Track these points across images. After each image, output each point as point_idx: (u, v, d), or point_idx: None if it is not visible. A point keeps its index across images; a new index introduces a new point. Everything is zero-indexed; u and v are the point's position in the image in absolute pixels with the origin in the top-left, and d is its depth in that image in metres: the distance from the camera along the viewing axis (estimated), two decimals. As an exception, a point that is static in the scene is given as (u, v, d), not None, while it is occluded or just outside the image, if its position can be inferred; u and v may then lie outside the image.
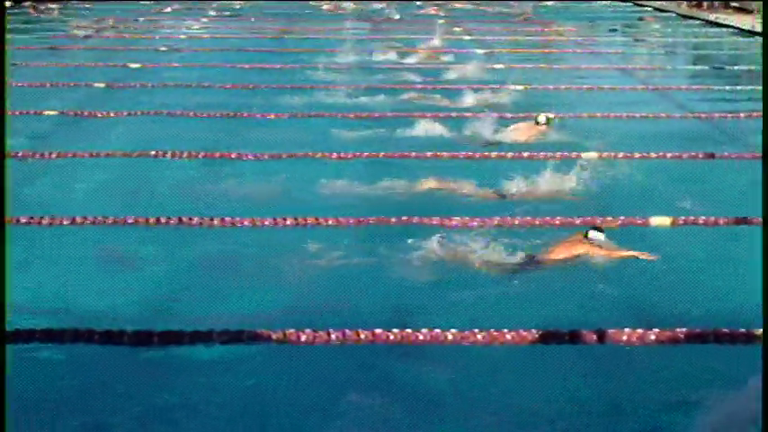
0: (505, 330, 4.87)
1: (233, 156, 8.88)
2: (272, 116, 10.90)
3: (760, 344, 4.80)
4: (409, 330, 4.85)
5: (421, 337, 4.83)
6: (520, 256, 6.10)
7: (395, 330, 4.84)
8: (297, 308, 5.40)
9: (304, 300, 5.57)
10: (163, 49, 17.24)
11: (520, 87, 12.80)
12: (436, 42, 17.75)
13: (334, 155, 8.87)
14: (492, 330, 4.86)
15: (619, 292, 5.78)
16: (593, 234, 6.26)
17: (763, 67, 9.30)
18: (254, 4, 27.96)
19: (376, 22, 23.41)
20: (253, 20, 23.60)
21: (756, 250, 6.32)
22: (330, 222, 6.81)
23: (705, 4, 27.02)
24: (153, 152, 8.81)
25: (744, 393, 3.96)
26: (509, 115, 10.76)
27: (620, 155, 8.93)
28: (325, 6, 26.30)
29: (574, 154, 8.80)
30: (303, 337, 4.81)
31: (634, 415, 4.24)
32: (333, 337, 4.80)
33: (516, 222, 6.85)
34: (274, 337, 4.79)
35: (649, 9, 28.76)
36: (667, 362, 4.81)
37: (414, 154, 8.95)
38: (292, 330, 4.82)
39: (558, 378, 4.59)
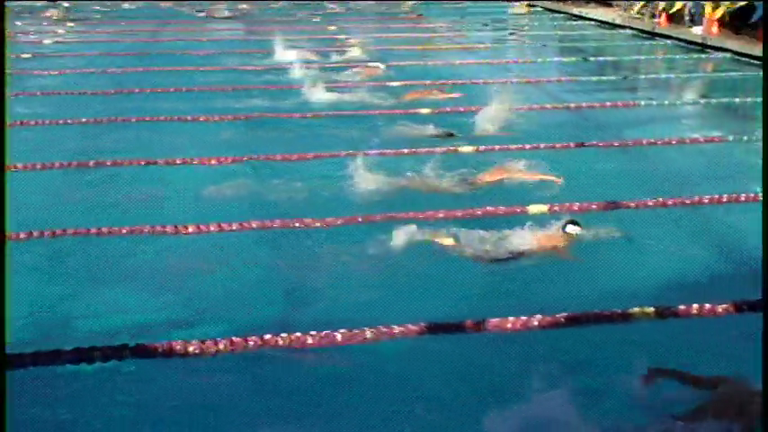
0: (394, 326, 4.91)
1: (108, 163, 8.58)
2: (149, 119, 10.63)
3: (636, 323, 5.06)
4: (299, 334, 4.82)
5: (310, 340, 4.80)
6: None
7: (283, 335, 4.80)
8: (183, 317, 5.32)
9: (191, 307, 5.49)
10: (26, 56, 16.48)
11: (395, 84, 12.93)
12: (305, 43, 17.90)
13: (213, 160, 8.71)
14: (381, 327, 4.90)
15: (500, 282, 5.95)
16: (570, 228, 6.43)
17: (764, 68, 9.70)
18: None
19: (253, 23, 23.22)
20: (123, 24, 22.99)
21: (629, 232, 6.72)
22: (212, 228, 6.68)
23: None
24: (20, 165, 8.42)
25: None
26: (386, 112, 10.95)
27: (497, 147, 9.15)
28: (200, 14, 25.72)
29: (450, 148, 9.00)
30: (191, 348, 4.70)
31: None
32: (221, 346, 4.71)
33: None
34: (160, 349, 4.66)
35: (516, 4, 29.72)
36: (549, 348, 4.97)
37: (295, 156, 8.90)
38: (179, 341, 4.71)
39: (442, 370, 4.67)
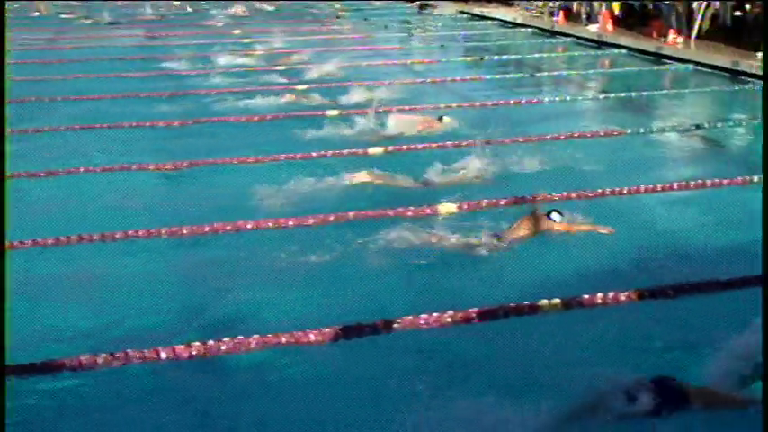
0: (309, 330, 4.90)
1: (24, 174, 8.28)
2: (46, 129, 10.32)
3: (544, 315, 5.19)
4: (211, 342, 4.76)
5: (224, 348, 4.75)
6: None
7: (196, 344, 4.74)
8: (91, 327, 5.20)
9: (103, 319, 5.37)
10: None
11: (302, 87, 12.89)
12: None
13: (135, 166, 8.54)
14: (295, 332, 4.88)
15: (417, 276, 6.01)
16: (554, 216, 6.64)
17: (764, 71, 9.93)
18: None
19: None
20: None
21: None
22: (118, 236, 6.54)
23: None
24: None
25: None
26: (295, 113, 10.94)
27: (404, 147, 9.24)
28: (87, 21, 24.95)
29: (360, 150, 9.04)
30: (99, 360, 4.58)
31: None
32: (128, 353, 4.62)
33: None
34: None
35: (417, 5, 30.12)
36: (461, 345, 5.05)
37: (212, 160, 8.78)
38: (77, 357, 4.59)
39: (356, 374, 4.71)
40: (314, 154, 8.90)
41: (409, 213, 7.07)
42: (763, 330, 4.03)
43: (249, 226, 6.78)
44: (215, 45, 18.11)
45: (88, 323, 5.35)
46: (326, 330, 4.92)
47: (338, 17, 26.32)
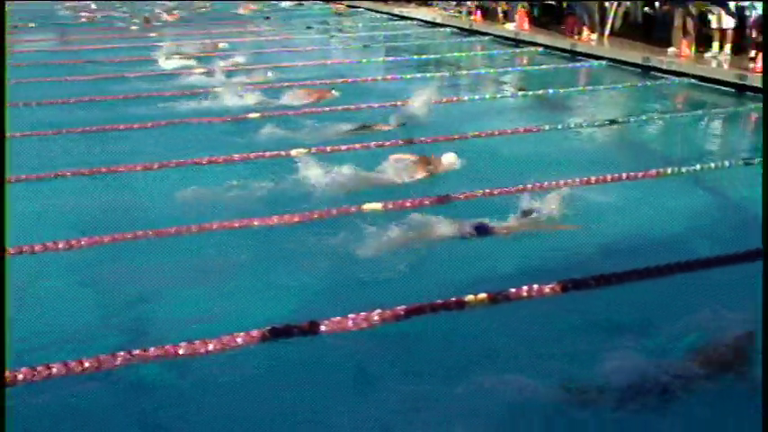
0: (236, 333, 4.86)
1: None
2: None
3: (471, 310, 5.26)
4: (137, 351, 4.67)
5: (152, 354, 4.67)
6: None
7: (121, 353, 4.64)
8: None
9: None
10: None
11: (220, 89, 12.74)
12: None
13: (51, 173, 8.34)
14: (223, 336, 4.84)
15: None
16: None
17: (763, 73, 10.05)
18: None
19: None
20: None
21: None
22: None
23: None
24: None
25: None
26: (217, 119, 10.83)
27: (328, 149, 9.23)
28: None
29: (283, 152, 8.99)
30: (20, 376, 4.45)
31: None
32: (54, 370, 4.50)
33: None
34: None
35: (341, 6, 30.17)
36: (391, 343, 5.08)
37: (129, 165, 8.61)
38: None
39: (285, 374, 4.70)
40: (236, 156, 8.84)
41: (334, 213, 7.08)
42: (762, 326, 4.04)
43: (173, 231, 6.68)
44: (133, 48, 17.78)
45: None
46: (254, 333, 4.90)
47: (267, 18, 26.18)
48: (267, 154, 8.95)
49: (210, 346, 4.79)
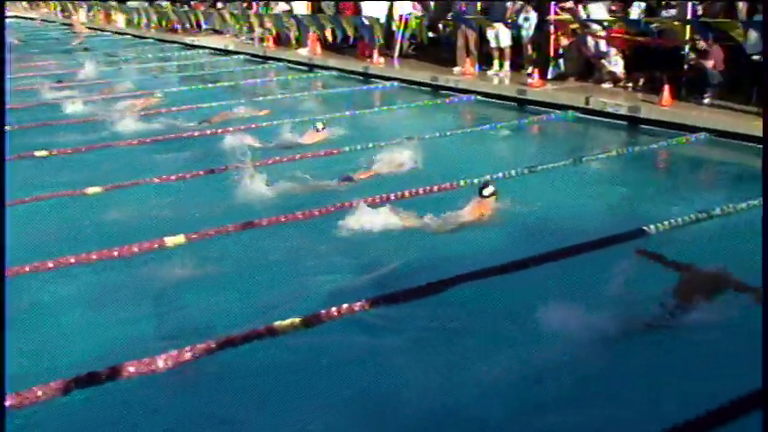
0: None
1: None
2: None
3: (284, 335, 5.27)
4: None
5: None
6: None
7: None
8: None
9: None
10: None
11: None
12: None
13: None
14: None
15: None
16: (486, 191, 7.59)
17: (764, 78, 10.04)
18: None
19: None
20: None
21: (267, 249, 6.98)
22: None
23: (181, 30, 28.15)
24: None
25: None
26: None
27: (127, 183, 8.94)
28: None
29: (75, 191, 8.63)
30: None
31: None
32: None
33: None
34: None
35: (129, 36, 29.32)
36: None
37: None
38: None
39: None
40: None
41: (135, 249, 6.87)
42: (763, 331, 4.16)
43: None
44: None
45: None
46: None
47: (86, 50, 24.83)
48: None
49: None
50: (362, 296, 5.74)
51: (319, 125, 11.38)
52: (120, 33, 30.68)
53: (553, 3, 14.95)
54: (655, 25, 13.35)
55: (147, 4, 30.71)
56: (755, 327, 4.33)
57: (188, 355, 4.97)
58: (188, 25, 27.39)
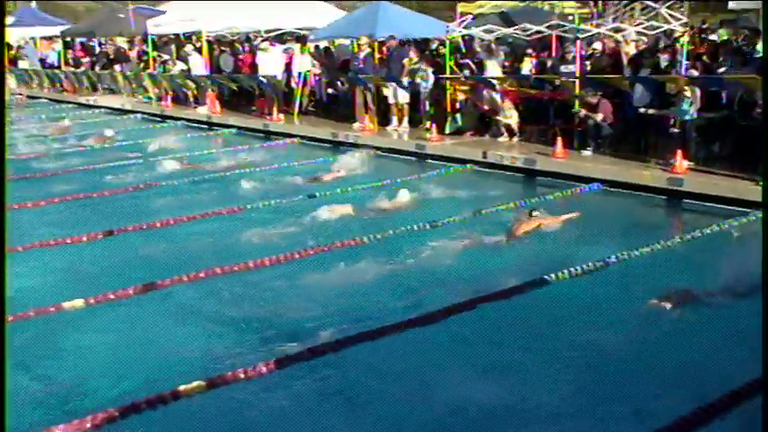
0: None
1: None
2: None
3: (189, 399, 5.12)
4: None
5: None
6: None
7: None
8: None
9: None
10: None
11: None
12: None
13: None
14: None
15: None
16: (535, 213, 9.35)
17: (763, 88, 9.90)
18: None
19: None
20: None
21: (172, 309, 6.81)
22: None
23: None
24: None
25: None
26: None
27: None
28: None
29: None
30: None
31: None
32: None
33: None
34: None
35: (20, 94, 28.54)
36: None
37: None
38: None
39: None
40: None
41: (31, 314, 6.58)
42: (763, 330, 4.10)
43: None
44: None
45: None
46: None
47: None
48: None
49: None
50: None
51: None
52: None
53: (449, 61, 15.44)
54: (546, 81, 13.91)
55: (37, 66, 29.92)
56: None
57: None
58: (84, 85, 26.85)
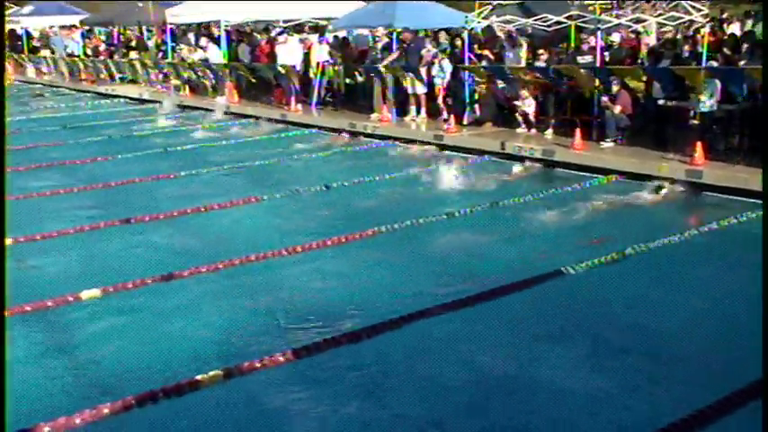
0: None
1: None
2: None
3: (207, 389, 5.15)
4: None
5: None
6: None
7: None
8: None
9: None
10: None
11: None
12: None
13: None
14: None
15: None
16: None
17: (764, 86, 9.98)
18: None
19: None
20: None
21: (187, 301, 6.84)
22: None
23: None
24: None
25: None
26: None
27: (38, 236, 8.67)
28: None
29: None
30: None
31: None
32: None
33: None
34: None
35: (40, 85, 28.69)
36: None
37: None
38: None
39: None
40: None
41: (49, 304, 6.64)
42: (763, 330, 4.13)
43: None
44: None
45: None
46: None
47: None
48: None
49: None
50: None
51: None
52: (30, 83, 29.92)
53: (467, 51, 15.38)
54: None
55: (57, 55, 29.98)
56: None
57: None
58: (102, 75, 26.93)
